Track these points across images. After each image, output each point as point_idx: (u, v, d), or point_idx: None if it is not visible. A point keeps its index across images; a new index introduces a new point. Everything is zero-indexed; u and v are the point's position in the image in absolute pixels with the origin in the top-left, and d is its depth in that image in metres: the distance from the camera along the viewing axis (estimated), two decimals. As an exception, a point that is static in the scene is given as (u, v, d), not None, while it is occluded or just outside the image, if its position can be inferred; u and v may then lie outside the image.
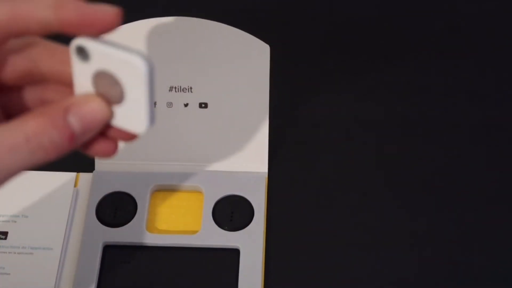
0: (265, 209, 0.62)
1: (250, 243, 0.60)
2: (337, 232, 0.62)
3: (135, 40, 0.60)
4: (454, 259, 0.61)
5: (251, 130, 0.63)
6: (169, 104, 0.62)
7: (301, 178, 0.65)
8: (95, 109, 0.35)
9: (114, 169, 0.64)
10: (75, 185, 0.64)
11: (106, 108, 0.36)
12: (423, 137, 0.68)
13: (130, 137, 0.38)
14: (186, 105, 0.63)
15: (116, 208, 0.62)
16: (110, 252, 0.60)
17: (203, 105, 0.62)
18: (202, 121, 0.63)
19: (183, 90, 0.62)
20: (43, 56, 0.38)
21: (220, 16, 0.59)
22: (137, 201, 0.62)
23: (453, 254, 0.61)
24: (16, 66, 0.38)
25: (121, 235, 0.61)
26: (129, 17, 0.59)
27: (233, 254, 0.60)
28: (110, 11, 0.35)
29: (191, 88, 0.62)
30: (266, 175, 0.64)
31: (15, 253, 0.60)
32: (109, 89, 0.35)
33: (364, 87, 0.72)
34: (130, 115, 0.36)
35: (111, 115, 0.36)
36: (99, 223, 0.61)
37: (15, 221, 0.61)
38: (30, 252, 0.60)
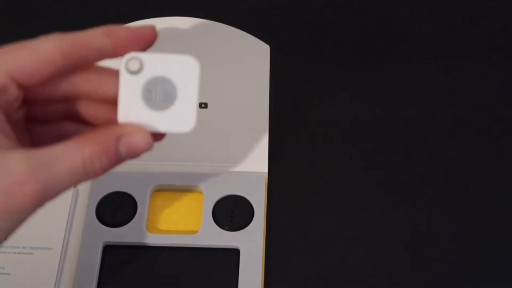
0: (265, 209, 0.62)
1: (250, 243, 0.60)
2: (337, 232, 0.62)
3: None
4: (454, 259, 0.61)
5: (251, 130, 0.63)
6: (169, 104, 0.62)
7: (301, 178, 0.65)
8: (141, 141, 0.40)
9: (114, 169, 0.64)
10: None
11: (150, 140, 0.40)
12: (423, 137, 0.68)
13: (160, 137, 0.42)
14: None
15: (116, 208, 0.62)
16: (110, 252, 0.60)
17: (203, 105, 0.62)
18: (202, 121, 0.63)
19: (183, 90, 0.62)
20: (80, 80, 0.41)
21: (220, 16, 0.59)
22: (137, 201, 0.62)
23: (454, 254, 0.61)
24: (55, 88, 0.41)
25: (121, 235, 0.61)
26: (129, 17, 0.59)
27: (233, 254, 0.60)
28: (149, 29, 0.40)
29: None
30: (266, 175, 0.64)
31: (15, 253, 0.60)
32: (159, 96, 0.39)
33: (364, 87, 0.72)
34: (176, 118, 0.40)
35: (152, 145, 0.40)
36: (99, 223, 0.61)
37: (15, 221, 0.61)
38: (30, 252, 0.60)
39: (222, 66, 0.61)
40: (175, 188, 0.64)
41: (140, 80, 0.39)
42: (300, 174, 0.66)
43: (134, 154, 0.40)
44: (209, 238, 0.61)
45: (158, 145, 0.64)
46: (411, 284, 0.59)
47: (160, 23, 0.59)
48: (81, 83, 0.41)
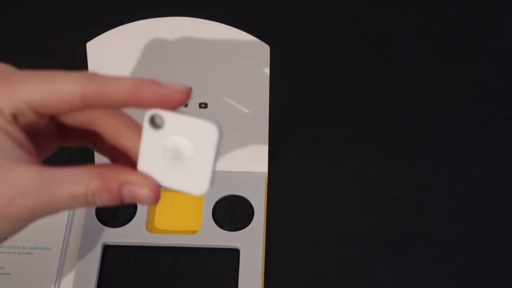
0: (265, 209, 0.62)
1: (250, 243, 0.60)
2: (337, 232, 0.62)
3: (136, 40, 0.60)
4: (455, 259, 0.61)
5: (251, 130, 0.63)
6: (169, 104, 0.62)
7: (301, 178, 0.65)
8: (145, 195, 0.40)
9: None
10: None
11: (154, 197, 0.40)
12: (423, 137, 0.68)
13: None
14: (186, 105, 0.62)
15: (116, 208, 0.62)
16: (110, 252, 0.60)
17: (203, 105, 0.62)
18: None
19: (183, 90, 0.62)
20: (99, 122, 0.42)
21: (220, 16, 0.59)
22: (137, 201, 0.62)
23: (454, 254, 0.61)
24: (74, 117, 0.42)
25: (121, 235, 0.61)
26: (129, 17, 0.59)
27: (233, 254, 0.60)
28: (181, 90, 0.39)
29: (191, 88, 0.62)
30: (266, 175, 0.64)
31: (15, 253, 0.60)
32: (176, 155, 0.40)
33: (364, 87, 0.72)
34: (191, 178, 0.40)
35: (156, 202, 0.41)
36: (99, 223, 0.61)
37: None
38: (30, 252, 0.60)
39: (222, 66, 0.61)
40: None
41: (161, 136, 0.40)
42: (300, 174, 0.66)
43: (136, 202, 0.41)
44: (209, 238, 0.61)
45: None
46: (411, 284, 0.59)
47: (160, 23, 0.59)
48: (99, 125, 0.42)
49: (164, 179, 0.41)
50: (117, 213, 0.62)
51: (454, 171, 0.66)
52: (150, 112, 0.40)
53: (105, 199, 0.40)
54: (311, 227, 0.62)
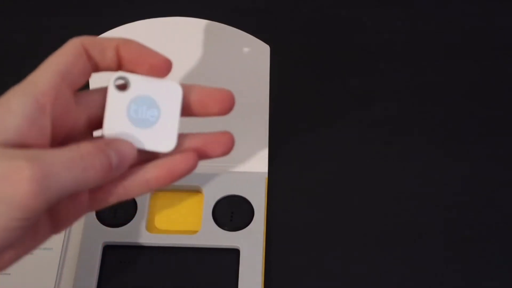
0: (265, 209, 0.62)
1: (250, 243, 0.60)
2: (336, 232, 0.62)
3: (135, 40, 0.60)
4: (454, 259, 0.61)
5: (251, 130, 0.63)
6: (169, 104, 0.62)
7: (301, 178, 0.65)
8: (127, 148, 0.41)
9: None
10: (75, 185, 0.64)
11: (134, 150, 0.41)
12: (423, 137, 0.68)
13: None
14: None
15: (116, 208, 0.62)
16: (110, 252, 0.60)
17: (203, 105, 0.62)
18: (202, 121, 0.63)
19: (183, 90, 0.62)
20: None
21: (220, 16, 0.59)
22: (137, 201, 0.62)
23: (455, 255, 0.61)
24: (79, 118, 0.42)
25: (121, 235, 0.61)
26: (129, 17, 0.59)
27: (233, 254, 0.60)
28: (162, 58, 0.42)
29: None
30: (266, 175, 0.64)
31: (15, 253, 0.60)
32: (143, 115, 0.42)
33: (364, 87, 0.72)
34: (158, 137, 0.42)
35: (135, 155, 0.41)
36: (99, 223, 0.61)
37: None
38: (30, 252, 0.60)
39: (222, 66, 0.61)
40: (175, 188, 0.64)
41: (126, 97, 0.42)
42: (300, 174, 0.66)
43: (123, 161, 0.41)
44: (209, 238, 0.61)
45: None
46: (411, 284, 0.59)
47: (160, 23, 0.59)
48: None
49: (131, 139, 0.41)
50: (117, 213, 0.62)
51: (458, 172, 0.66)
52: (116, 74, 0.42)
53: (102, 159, 0.39)
54: (311, 227, 0.62)
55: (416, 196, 0.64)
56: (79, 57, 0.41)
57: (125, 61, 0.42)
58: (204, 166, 0.64)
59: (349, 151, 0.67)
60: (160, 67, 0.42)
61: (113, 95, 0.42)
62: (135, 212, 0.62)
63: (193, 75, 0.61)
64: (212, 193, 0.63)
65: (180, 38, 0.60)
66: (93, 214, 0.62)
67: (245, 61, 0.60)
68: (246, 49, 0.60)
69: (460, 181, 0.65)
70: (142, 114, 0.42)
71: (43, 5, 0.79)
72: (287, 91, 0.70)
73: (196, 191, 0.64)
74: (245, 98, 0.62)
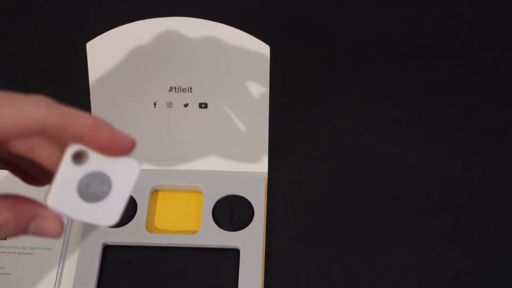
0: (265, 209, 0.62)
1: (250, 243, 0.60)
2: (336, 232, 0.62)
3: (136, 40, 0.60)
4: (455, 260, 0.61)
5: (251, 130, 0.63)
6: (169, 104, 0.62)
7: (301, 178, 0.65)
8: (52, 229, 0.40)
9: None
10: (75, 185, 0.64)
11: (60, 231, 0.41)
12: (423, 137, 0.68)
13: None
14: (186, 105, 0.63)
15: (116, 208, 0.62)
16: (110, 252, 0.60)
17: (203, 105, 0.62)
18: (202, 121, 0.63)
19: (183, 90, 0.62)
20: (41, 147, 0.41)
21: (220, 16, 0.59)
22: (137, 201, 0.62)
23: (455, 255, 0.61)
24: (15, 147, 0.40)
25: (121, 235, 0.61)
26: (129, 17, 0.59)
27: (233, 254, 0.60)
28: (129, 140, 0.40)
29: (191, 88, 0.62)
30: (266, 175, 0.64)
31: (15, 253, 0.60)
32: (92, 189, 0.40)
33: (364, 87, 0.72)
34: (103, 212, 0.41)
35: (60, 236, 0.41)
36: (99, 223, 0.61)
37: (15, 221, 0.61)
38: (30, 252, 0.60)
39: (222, 66, 0.61)
40: (175, 188, 0.64)
41: (80, 171, 0.40)
42: (300, 174, 0.66)
43: (40, 235, 0.40)
44: (209, 238, 0.61)
45: (158, 145, 0.64)
46: (410, 284, 0.59)
47: (160, 23, 0.59)
48: (38, 153, 0.41)
49: (74, 213, 0.40)
50: (117, 213, 0.62)
51: (459, 172, 0.66)
52: (75, 147, 0.40)
53: (12, 231, 0.39)
54: (311, 227, 0.62)
55: (416, 196, 0.64)
56: (35, 125, 0.39)
57: (88, 141, 0.40)
58: (204, 166, 0.64)
59: (349, 151, 0.67)
60: (123, 150, 0.40)
61: (66, 166, 0.40)
62: (135, 212, 0.62)
63: (193, 75, 0.61)
64: (212, 193, 0.63)
65: (180, 38, 0.60)
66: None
67: (245, 61, 0.60)
68: (246, 49, 0.60)
69: (460, 181, 0.65)
70: (92, 189, 0.40)
71: (43, 5, 0.79)
72: (287, 91, 0.70)
73: (196, 191, 0.64)
74: (245, 98, 0.62)
